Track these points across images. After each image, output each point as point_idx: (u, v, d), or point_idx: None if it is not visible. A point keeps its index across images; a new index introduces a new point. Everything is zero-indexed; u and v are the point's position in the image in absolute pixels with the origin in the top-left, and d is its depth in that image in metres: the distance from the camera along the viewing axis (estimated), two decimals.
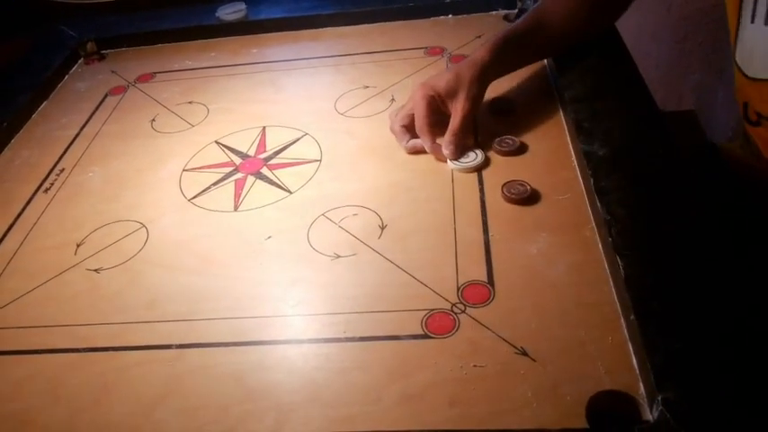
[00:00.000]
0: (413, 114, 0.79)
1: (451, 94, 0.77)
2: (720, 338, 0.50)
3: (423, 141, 0.78)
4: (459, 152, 0.76)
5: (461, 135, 0.77)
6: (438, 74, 0.81)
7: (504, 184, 0.71)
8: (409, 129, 0.80)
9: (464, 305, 0.60)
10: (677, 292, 0.54)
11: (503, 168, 0.75)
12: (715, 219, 0.60)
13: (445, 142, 0.77)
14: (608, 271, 0.60)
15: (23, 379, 0.61)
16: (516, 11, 1.05)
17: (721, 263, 0.56)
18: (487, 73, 0.79)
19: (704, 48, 1.57)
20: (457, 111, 0.77)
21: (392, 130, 0.82)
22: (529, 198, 0.69)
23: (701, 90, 1.64)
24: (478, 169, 0.76)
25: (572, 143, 0.76)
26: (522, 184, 0.71)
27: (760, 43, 0.71)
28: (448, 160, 0.77)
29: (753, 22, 0.70)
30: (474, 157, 0.76)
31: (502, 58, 0.79)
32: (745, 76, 0.74)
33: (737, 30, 0.73)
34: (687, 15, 1.55)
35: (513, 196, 0.70)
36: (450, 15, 1.09)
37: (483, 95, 0.80)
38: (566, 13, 0.83)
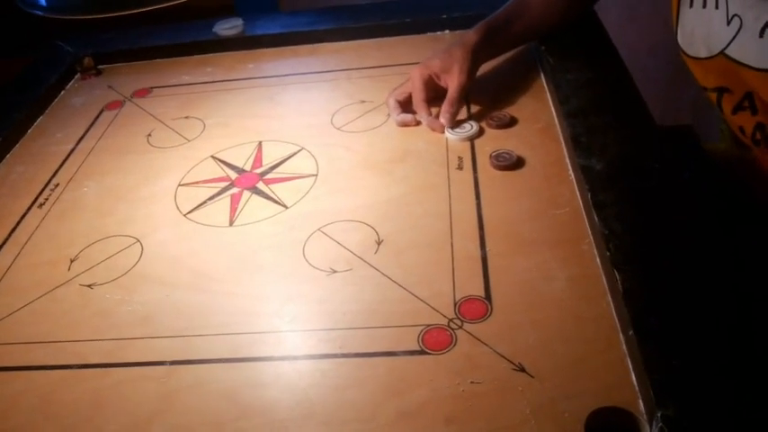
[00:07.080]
0: (410, 93, 0.87)
1: (446, 69, 0.85)
2: (720, 353, 0.50)
3: (419, 115, 0.86)
4: (453, 121, 0.84)
5: (457, 105, 0.85)
6: (432, 54, 0.88)
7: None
8: (402, 105, 0.88)
9: (461, 320, 0.59)
10: (676, 306, 0.53)
11: (500, 183, 0.75)
12: (713, 233, 0.60)
13: (442, 111, 0.84)
14: (606, 286, 0.60)
15: (15, 396, 0.60)
16: None
17: (720, 277, 0.56)
18: (478, 52, 0.86)
19: None
20: (453, 83, 0.84)
21: (387, 104, 0.90)
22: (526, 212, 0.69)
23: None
24: (473, 138, 0.82)
25: (569, 157, 0.76)
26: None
27: (698, 25, 0.76)
28: (445, 130, 0.83)
29: (691, 6, 0.77)
30: (469, 128, 0.83)
31: (489, 41, 0.87)
32: (687, 55, 0.79)
33: (678, 14, 0.79)
34: None
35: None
36: (446, 31, 1.10)
37: (476, 71, 0.87)
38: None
